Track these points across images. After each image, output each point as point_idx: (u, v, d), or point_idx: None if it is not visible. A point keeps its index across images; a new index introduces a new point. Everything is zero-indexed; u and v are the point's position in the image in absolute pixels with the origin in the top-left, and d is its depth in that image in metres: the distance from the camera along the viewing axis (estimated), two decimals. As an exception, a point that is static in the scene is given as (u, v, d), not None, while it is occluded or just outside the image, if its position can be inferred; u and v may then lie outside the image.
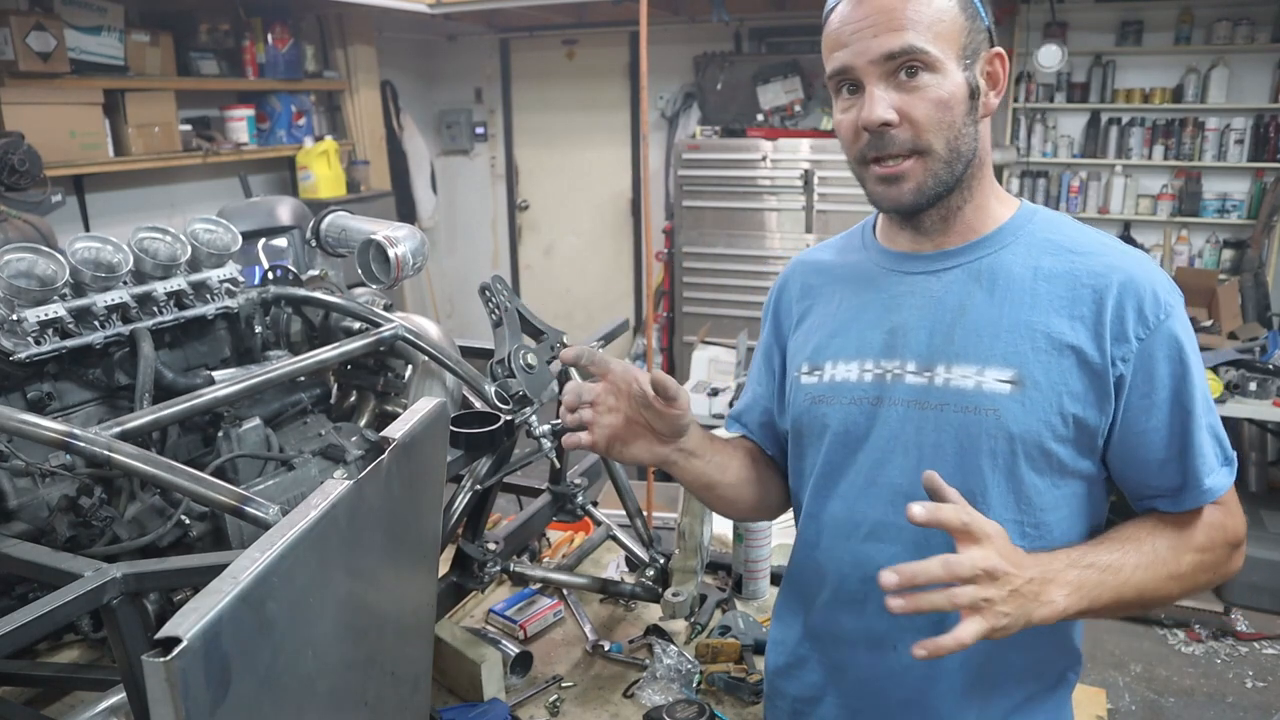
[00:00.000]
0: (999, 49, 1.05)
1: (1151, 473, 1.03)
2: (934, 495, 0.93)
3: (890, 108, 0.99)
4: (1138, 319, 0.99)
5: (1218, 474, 1.03)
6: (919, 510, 0.87)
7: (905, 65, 0.98)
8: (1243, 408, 3.55)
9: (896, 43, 0.97)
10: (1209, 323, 3.99)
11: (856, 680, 1.13)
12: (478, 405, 1.67)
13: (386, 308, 1.76)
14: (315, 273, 1.78)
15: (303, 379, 1.61)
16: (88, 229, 4.06)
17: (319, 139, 5.05)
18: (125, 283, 1.46)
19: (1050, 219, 1.10)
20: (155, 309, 1.47)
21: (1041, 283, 1.03)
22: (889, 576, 0.86)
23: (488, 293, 1.71)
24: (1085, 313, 1.00)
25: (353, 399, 1.77)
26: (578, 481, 1.97)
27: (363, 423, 1.71)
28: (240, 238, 1.66)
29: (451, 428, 1.46)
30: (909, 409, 1.05)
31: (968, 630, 0.87)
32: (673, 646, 1.68)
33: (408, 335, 1.62)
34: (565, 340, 1.83)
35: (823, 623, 1.16)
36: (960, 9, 1.01)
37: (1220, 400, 3.49)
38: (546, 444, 1.65)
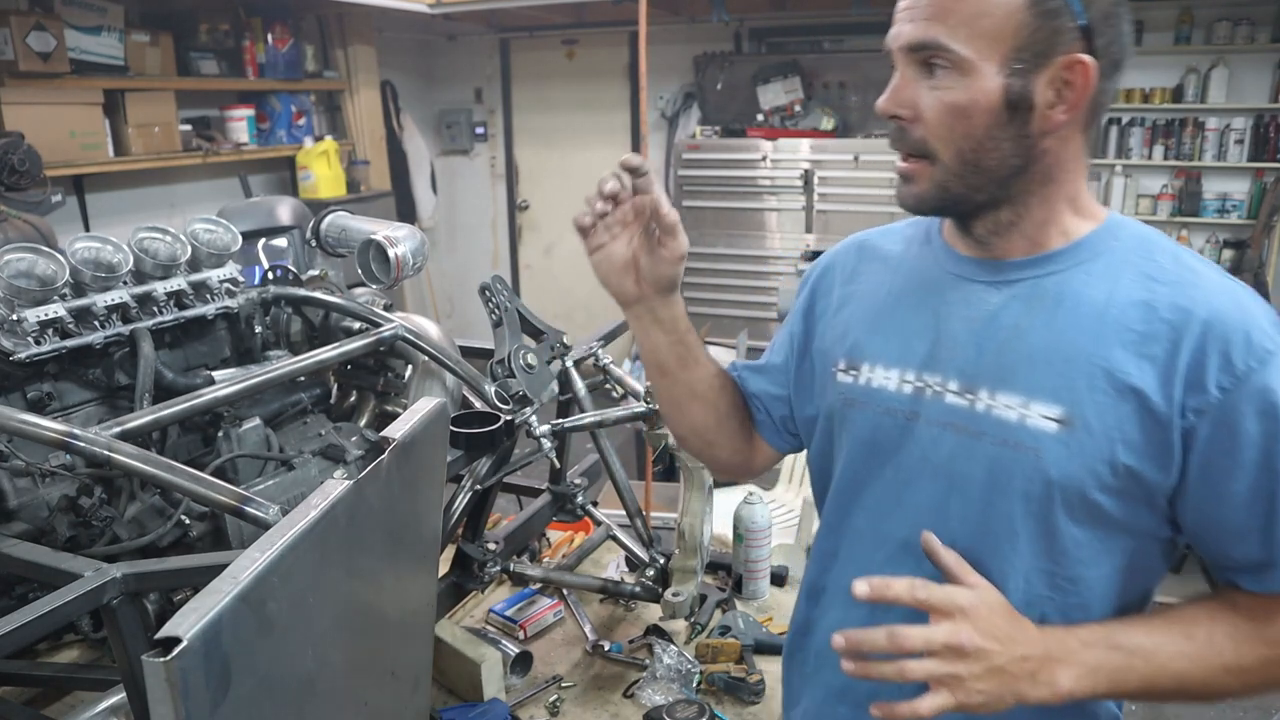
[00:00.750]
0: (1082, 56, 0.86)
1: (1231, 542, 0.90)
2: (929, 557, 0.90)
3: (902, 100, 0.91)
4: (1222, 366, 0.85)
5: None
6: (861, 588, 0.85)
7: (929, 59, 0.89)
8: (1243, 408, 3.54)
9: (920, 34, 0.88)
10: (1209, 323, 3.99)
11: (864, 692, 1.04)
12: (478, 405, 1.67)
13: (386, 308, 1.76)
14: (315, 273, 1.78)
15: (303, 379, 1.61)
16: (88, 229, 4.06)
17: (319, 139, 5.06)
18: (125, 283, 1.46)
19: (1139, 236, 0.95)
20: (155, 309, 1.47)
21: (1113, 311, 0.89)
22: (838, 640, 0.85)
23: (488, 293, 1.71)
24: (1157, 352, 0.87)
25: (353, 399, 1.77)
26: (578, 481, 1.97)
27: (363, 423, 1.71)
28: (240, 238, 1.66)
29: (451, 428, 1.45)
30: (944, 431, 0.96)
31: (927, 703, 0.83)
32: (673, 646, 1.68)
33: (408, 335, 1.62)
34: (565, 340, 1.83)
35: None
36: (1023, 10, 0.85)
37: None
38: (546, 444, 1.65)
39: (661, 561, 1.81)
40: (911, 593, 0.85)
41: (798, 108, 5.44)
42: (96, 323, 1.39)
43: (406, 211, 5.97)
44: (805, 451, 1.20)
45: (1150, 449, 0.88)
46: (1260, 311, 0.88)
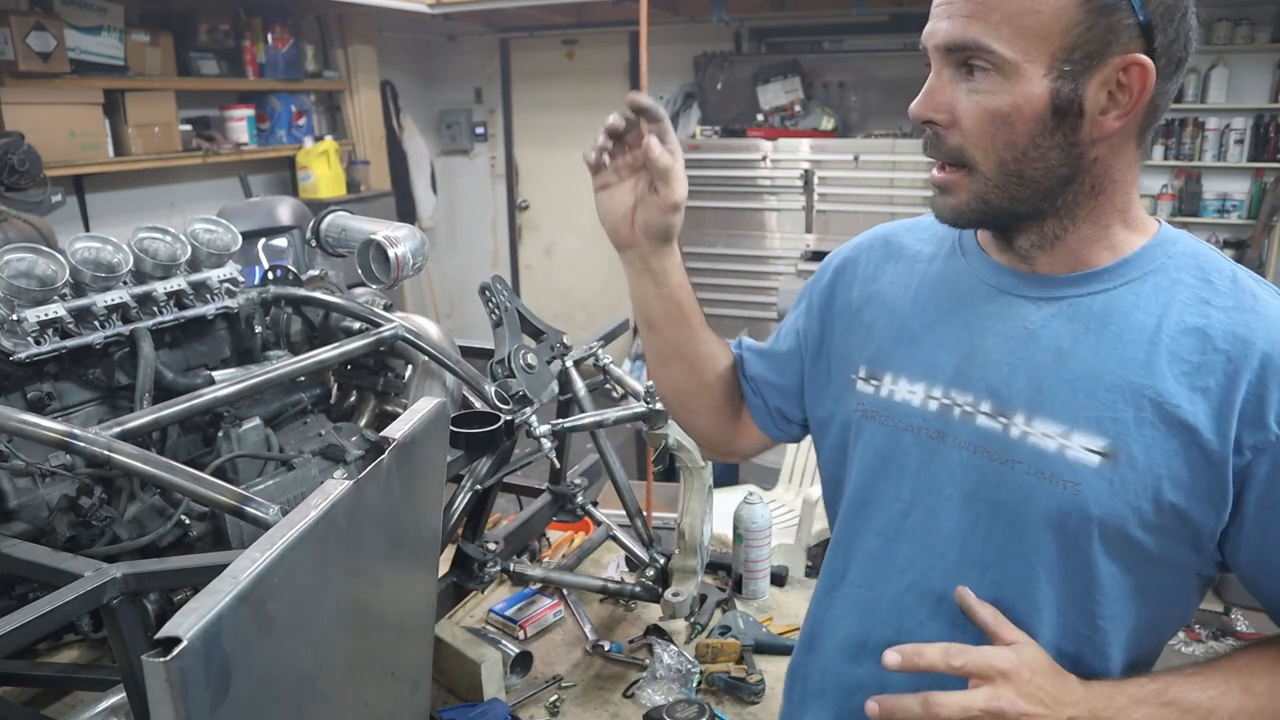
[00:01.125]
0: (1139, 56, 0.79)
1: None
2: (965, 612, 0.86)
3: (937, 104, 0.84)
4: None
5: None
6: (892, 658, 0.81)
7: (968, 60, 0.82)
8: (1243, 408, 3.55)
9: (958, 33, 0.81)
10: (1209, 323, 3.99)
11: None
12: (478, 405, 1.67)
13: (386, 308, 1.76)
14: (315, 273, 1.78)
15: (303, 379, 1.61)
16: (88, 229, 4.06)
17: (319, 139, 5.06)
18: (125, 283, 1.46)
19: (1193, 254, 0.88)
20: (155, 309, 1.47)
21: (1164, 337, 0.83)
22: (871, 707, 0.81)
23: (488, 293, 1.71)
24: (1212, 385, 0.80)
25: (353, 399, 1.78)
26: (578, 481, 1.97)
27: (363, 423, 1.71)
28: (240, 238, 1.66)
29: (451, 428, 1.45)
30: (974, 454, 0.90)
31: None
32: (673, 646, 1.68)
33: (408, 335, 1.62)
34: (565, 340, 1.83)
35: (845, 661, 1.02)
36: (1075, 5, 0.78)
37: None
38: (546, 444, 1.65)
39: (661, 561, 1.81)
40: (946, 660, 0.80)
41: (798, 108, 5.44)
42: (96, 323, 1.39)
43: (406, 211, 5.97)
44: (814, 450, 1.14)
45: (1199, 487, 0.81)
46: None
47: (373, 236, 1.73)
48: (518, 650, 1.70)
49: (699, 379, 1.13)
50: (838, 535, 1.05)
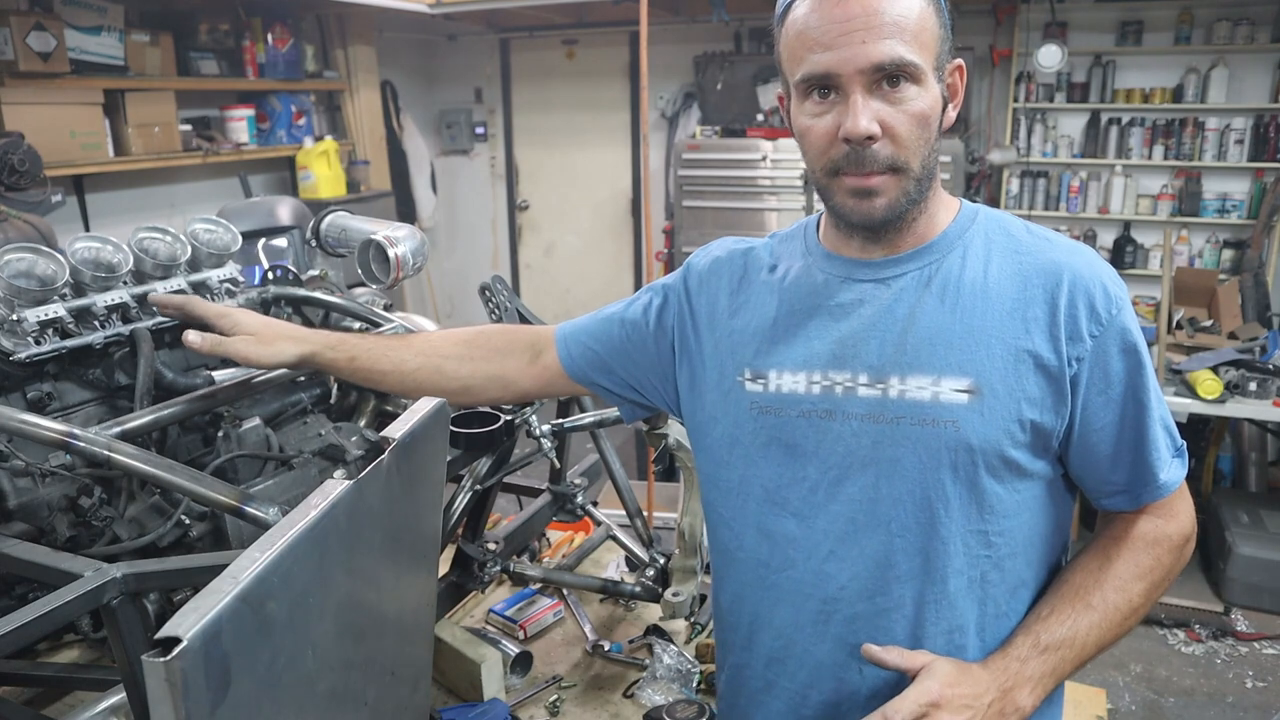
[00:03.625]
0: (960, 60, 1.01)
1: (1106, 468, 1.03)
2: (876, 664, 0.98)
3: (874, 120, 0.94)
4: (1090, 315, 0.98)
5: (1171, 467, 1.04)
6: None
7: (890, 75, 0.93)
8: (1243, 408, 3.55)
9: (888, 53, 0.92)
10: (1209, 323, 3.98)
11: (820, 704, 1.09)
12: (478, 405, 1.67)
13: (386, 308, 1.76)
14: (315, 273, 1.78)
15: (303, 379, 1.61)
16: (88, 229, 4.06)
17: (319, 139, 5.05)
18: (125, 283, 1.45)
19: (993, 218, 1.07)
20: (155, 309, 1.47)
21: (993, 285, 1.00)
22: None
23: (488, 293, 1.71)
24: (1039, 314, 0.98)
25: (353, 399, 1.77)
26: (578, 481, 1.97)
27: (363, 423, 1.71)
28: (240, 238, 1.66)
29: (451, 428, 1.45)
30: (864, 423, 1.01)
31: None
32: (673, 646, 1.68)
33: (408, 335, 1.62)
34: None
35: (784, 646, 1.10)
36: (936, 16, 0.96)
37: (1220, 400, 3.49)
38: (546, 444, 1.65)
39: (661, 561, 1.81)
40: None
41: (798, 108, 5.44)
42: (96, 323, 1.39)
43: (406, 211, 5.97)
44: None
45: (1048, 400, 0.98)
46: (1105, 266, 1.02)
47: (373, 236, 1.73)
48: (518, 650, 1.70)
49: (468, 397, 1.31)
50: (757, 528, 1.10)
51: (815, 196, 1.07)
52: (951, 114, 1.00)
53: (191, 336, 1.20)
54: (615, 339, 1.24)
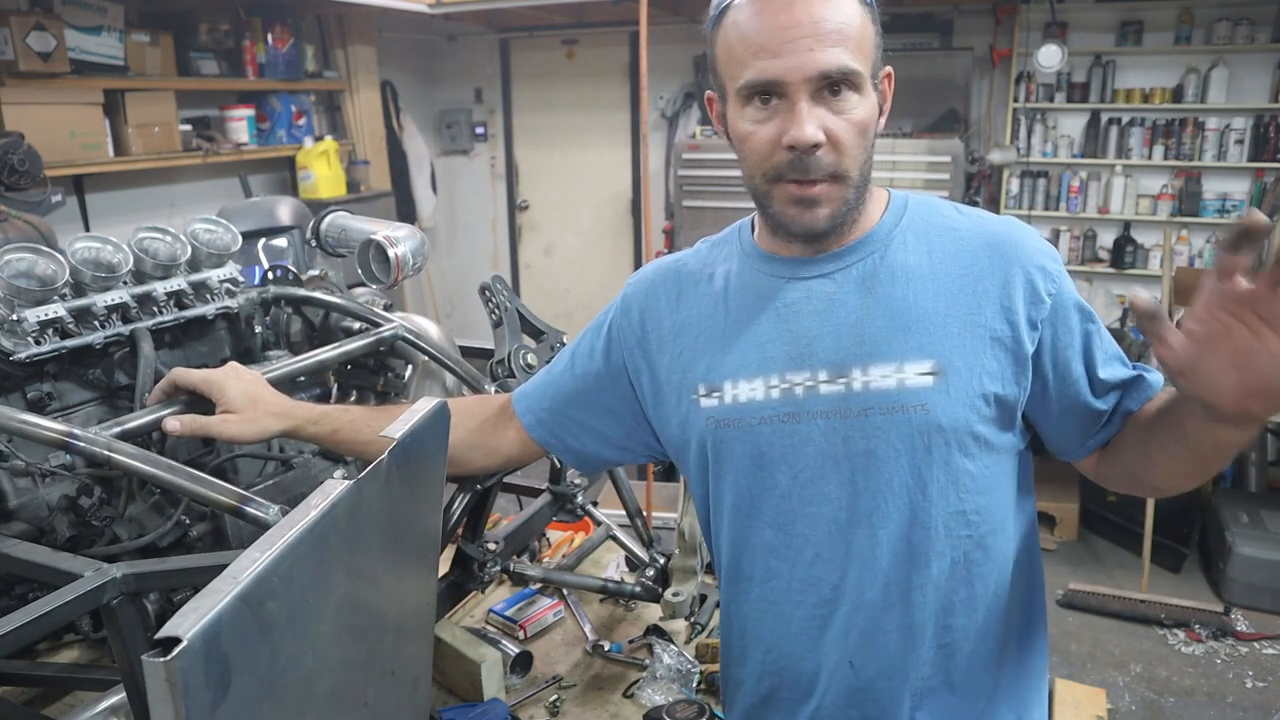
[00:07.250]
0: (889, 68, 1.02)
1: (1082, 418, 1.03)
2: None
3: (819, 128, 0.94)
4: (1044, 277, 0.99)
5: (1149, 373, 1.04)
6: None
7: (834, 84, 0.94)
8: (1243, 408, 3.54)
9: (834, 61, 0.92)
10: (1209, 322, 3.98)
11: (823, 708, 1.08)
12: (478, 405, 1.66)
13: (386, 308, 1.76)
14: (315, 273, 1.78)
15: (302, 379, 1.61)
16: (88, 229, 4.06)
17: (319, 139, 5.05)
18: (125, 283, 1.45)
19: (923, 202, 1.08)
20: (155, 309, 1.47)
21: (938, 267, 1.01)
22: None
23: (488, 293, 1.71)
24: (990, 288, 0.99)
25: (353, 399, 1.77)
26: (578, 481, 1.97)
27: (363, 423, 1.71)
28: (240, 238, 1.66)
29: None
30: (830, 420, 1.00)
31: None
32: (673, 646, 1.68)
33: (408, 335, 1.62)
34: (565, 340, 1.83)
35: (777, 659, 1.10)
36: (873, 25, 0.97)
37: (1220, 400, 3.48)
38: (546, 444, 1.65)
39: (661, 561, 1.81)
40: None
41: (798, 108, 5.44)
42: (96, 323, 1.39)
43: (406, 211, 5.97)
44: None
45: (1007, 373, 0.99)
46: (1034, 231, 1.05)
47: (373, 236, 1.73)
48: (518, 650, 1.70)
49: (454, 468, 1.25)
50: (733, 543, 1.10)
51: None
52: (882, 121, 1.01)
53: (170, 424, 1.15)
54: (570, 392, 1.22)
